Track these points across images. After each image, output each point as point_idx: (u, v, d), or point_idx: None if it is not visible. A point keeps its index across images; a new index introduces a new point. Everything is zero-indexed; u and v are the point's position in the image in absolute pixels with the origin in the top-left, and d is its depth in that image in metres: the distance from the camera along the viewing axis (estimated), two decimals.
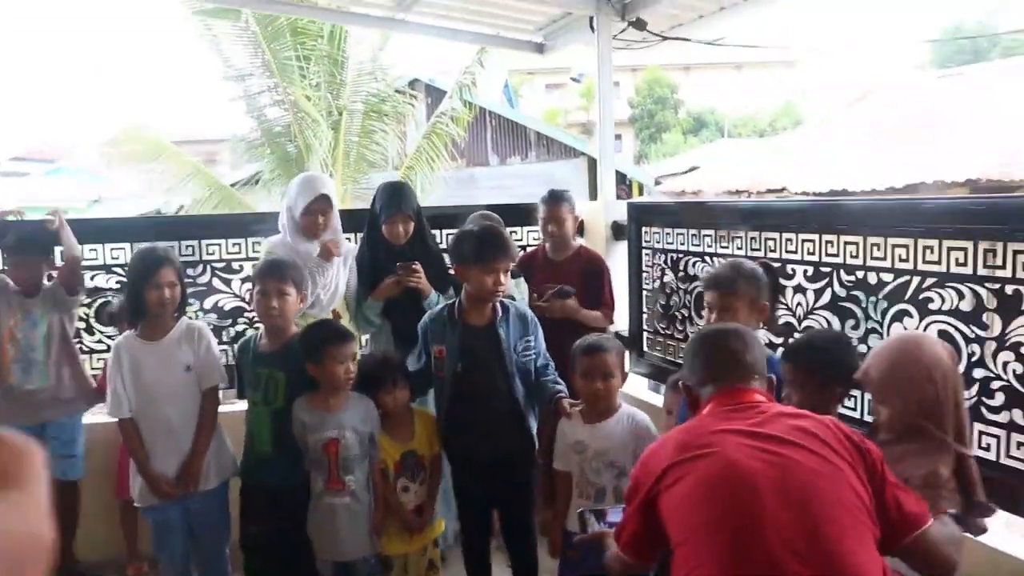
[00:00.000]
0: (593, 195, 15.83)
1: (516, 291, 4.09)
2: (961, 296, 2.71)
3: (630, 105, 34.19)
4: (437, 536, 3.39)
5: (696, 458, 1.84)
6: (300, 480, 3.12)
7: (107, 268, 4.28)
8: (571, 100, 33.49)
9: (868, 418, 2.87)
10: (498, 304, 3.22)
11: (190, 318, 3.55)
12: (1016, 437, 2.57)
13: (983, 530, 2.23)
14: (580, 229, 4.79)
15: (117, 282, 4.26)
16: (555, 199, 4.24)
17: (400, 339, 3.73)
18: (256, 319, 3.91)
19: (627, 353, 4.49)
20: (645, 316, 4.52)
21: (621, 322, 4.61)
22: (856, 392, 2.96)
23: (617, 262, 4.70)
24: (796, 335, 3.36)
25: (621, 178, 16.17)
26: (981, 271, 2.64)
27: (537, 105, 32.86)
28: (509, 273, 3.20)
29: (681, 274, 4.15)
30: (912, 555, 1.89)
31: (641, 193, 15.87)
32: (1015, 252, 2.54)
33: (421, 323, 3.36)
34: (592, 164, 15.80)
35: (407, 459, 3.21)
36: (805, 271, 3.35)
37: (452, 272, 3.73)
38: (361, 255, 3.91)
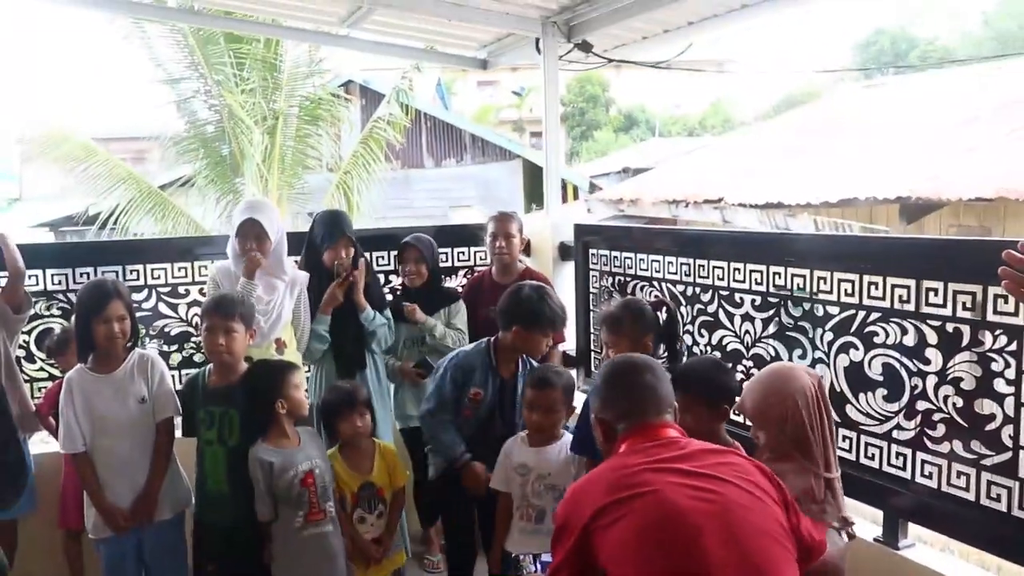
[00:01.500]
0: (529, 199, 15.91)
1: (457, 318, 4.14)
2: (904, 332, 2.83)
3: (562, 103, 34.38)
4: (398, 567, 3.41)
5: (632, 498, 1.86)
6: (255, 518, 3.09)
7: (48, 294, 4.15)
8: (503, 97, 33.57)
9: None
10: (522, 361, 3.46)
11: (140, 346, 3.49)
12: (956, 467, 2.70)
13: (852, 536, 2.45)
14: (527, 249, 4.84)
15: (59, 308, 4.14)
16: (503, 216, 4.35)
17: (341, 360, 3.88)
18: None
19: (576, 374, 4.57)
20: (593, 336, 4.59)
21: (569, 341, 4.67)
22: None
23: (565, 282, 4.76)
24: (744, 362, 3.47)
25: None
26: (924, 308, 2.76)
27: (470, 102, 32.83)
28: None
29: (628, 297, 4.22)
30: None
31: (576, 196, 16.00)
32: (955, 292, 2.66)
33: (455, 359, 3.46)
34: (528, 167, 15.90)
35: (364, 490, 3.23)
36: (753, 300, 3.45)
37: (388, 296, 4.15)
38: (311, 283, 3.90)
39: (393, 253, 4.50)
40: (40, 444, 3.96)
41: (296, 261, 4.01)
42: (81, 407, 3.13)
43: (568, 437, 3.17)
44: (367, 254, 4.17)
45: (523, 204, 15.09)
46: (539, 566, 3.10)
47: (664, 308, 3.29)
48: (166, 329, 4.28)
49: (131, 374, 3.20)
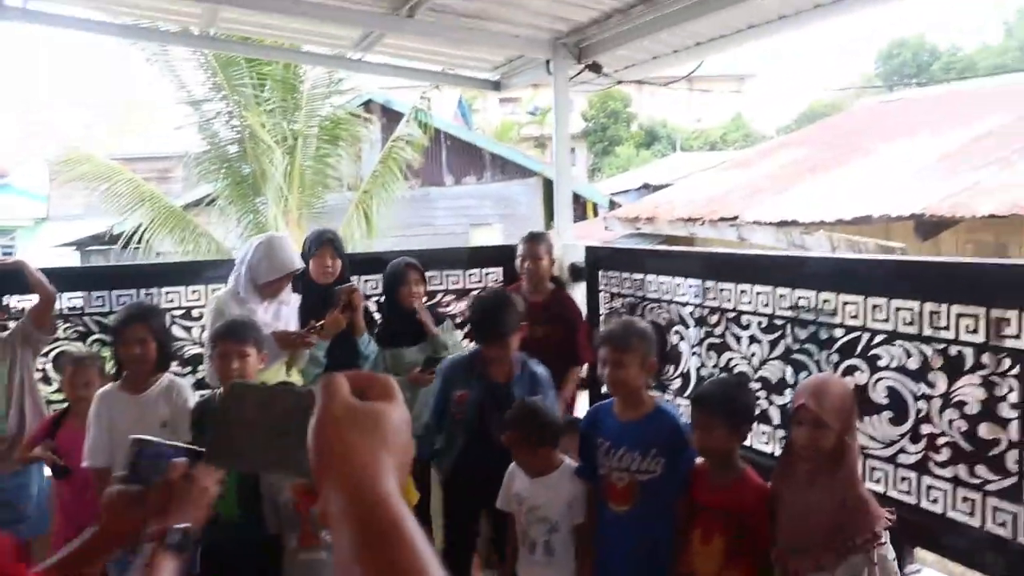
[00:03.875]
0: (548, 215, 15.90)
1: (450, 338, 4.17)
2: (908, 354, 2.82)
3: (584, 119, 34.47)
4: None
5: None
6: (266, 541, 3.12)
7: (64, 317, 4.23)
8: (524, 115, 33.67)
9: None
10: (517, 362, 3.41)
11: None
12: (961, 492, 2.68)
13: None
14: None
15: (75, 331, 4.22)
16: (533, 237, 4.41)
17: None
18: None
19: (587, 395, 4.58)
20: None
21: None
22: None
23: (577, 303, 4.77)
24: (752, 384, 3.46)
25: (575, 198, 16.29)
26: (927, 331, 2.75)
27: (492, 118, 32.96)
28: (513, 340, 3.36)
29: (638, 318, 4.23)
30: None
31: (596, 213, 15.99)
32: (958, 315, 2.65)
33: (441, 368, 3.54)
34: (548, 184, 15.91)
35: None
36: (759, 322, 3.45)
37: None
38: (303, 304, 3.96)
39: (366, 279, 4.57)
40: None
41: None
42: (106, 423, 3.21)
43: (567, 467, 3.13)
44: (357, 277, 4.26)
45: (543, 221, 15.08)
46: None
47: (658, 331, 3.34)
48: (180, 351, 4.33)
49: (157, 398, 3.27)
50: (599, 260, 4.59)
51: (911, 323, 2.80)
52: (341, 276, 4.00)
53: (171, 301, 4.35)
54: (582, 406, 4.72)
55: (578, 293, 4.82)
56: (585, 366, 4.41)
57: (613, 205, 15.68)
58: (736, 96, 37.25)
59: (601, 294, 4.57)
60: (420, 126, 12.01)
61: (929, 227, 5.82)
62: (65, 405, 3.69)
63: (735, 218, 7.37)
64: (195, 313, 4.37)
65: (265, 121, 11.06)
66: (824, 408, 2.44)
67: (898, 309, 2.84)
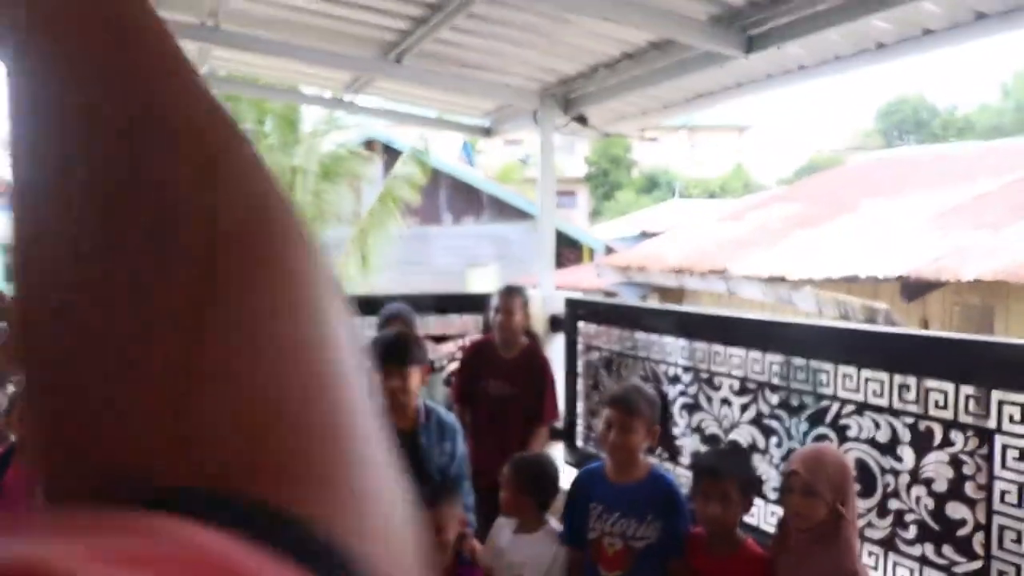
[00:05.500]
0: None
1: (436, 387, 4.12)
2: (877, 426, 2.77)
3: (586, 163, 34.69)
4: None
5: None
6: None
7: None
8: (529, 154, 33.88)
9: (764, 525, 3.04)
10: (421, 410, 3.28)
11: None
12: (928, 572, 2.61)
13: None
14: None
15: None
16: (509, 291, 4.28)
17: None
18: None
19: (563, 447, 4.52)
20: (579, 409, 4.54)
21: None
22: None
23: (554, 353, 4.73)
24: (720, 446, 3.40)
25: (572, 243, 16.32)
26: (896, 404, 2.70)
27: (496, 159, 33.17)
28: (413, 375, 3.23)
29: (614, 373, 4.18)
30: None
31: (591, 258, 16.01)
32: (927, 390, 2.60)
33: None
34: None
35: None
36: (731, 385, 3.40)
37: None
38: None
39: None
40: None
41: None
42: None
43: (552, 528, 3.06)
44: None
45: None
46: None
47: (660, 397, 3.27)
48: None
49: None
50: (578, 312, 4.55)
51: (880, 395, 2.76)
52: None
53: None
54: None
55: (556, 344, 4.78)
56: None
57: (610, 251, 15.71)
58: (737, 146, 37.55)
59: (579, 346, 4.52)
60: (418, 165, 12.09)
61: (915, 289, 5.80)
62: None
63: (724, 271, 7.35)
64: None
65: (265, 156, 11.10)
66: (816, 476, 2.37)
67: (867, 379, 2.80)
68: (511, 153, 35.22)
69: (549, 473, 3.08)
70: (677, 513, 2.80)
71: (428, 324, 4.84)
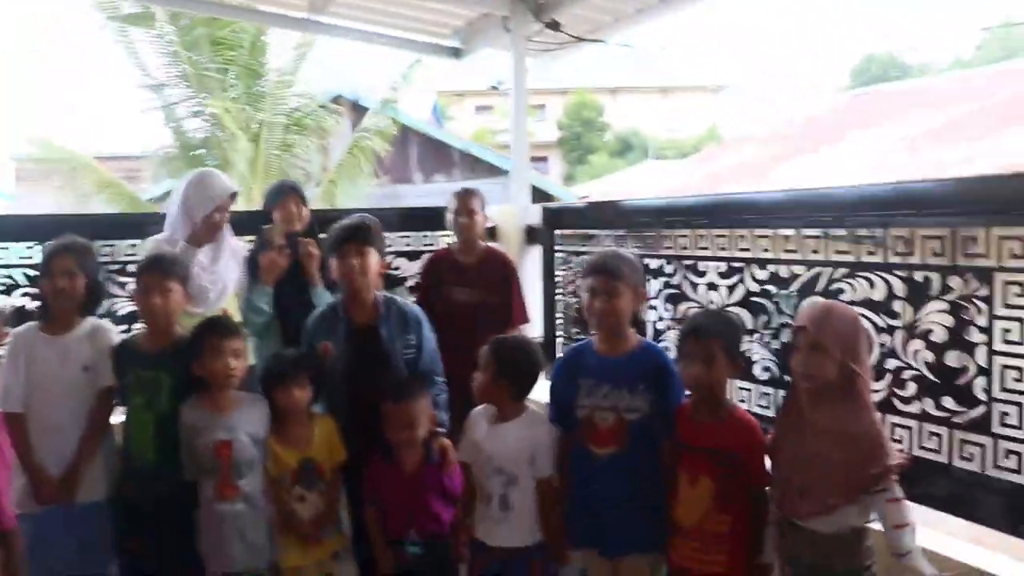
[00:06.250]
0: None
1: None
2: (872, 285, 2.66)
3: (558, 127, 34.49)
4: (337, 549, 3.18)
5: None
6: (183, 490, 2.90)
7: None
8: (501, 122, 33.63)
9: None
10: (380, 301, 3.17)
11: None
12: (927, 427, 2.52)
13: None
14: (493, 234, 4.69)
15: (1, 284, 3.98)
16: (466, 192, 4.11)
17: (291, 342, 3.52)
18: None
19: None
20: (559, 320, 4.42)
21: (535, 326, 4.48)
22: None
23: (531, 266, 4.60)
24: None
25: (547, 197, 16.16)
26: (892, 259, 2.59)
27: (467, 125, 32.89)
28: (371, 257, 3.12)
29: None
30: None
31: None
32: (924, 237, 2.49)
33: (305, 325, 3.25)
34: None
35: (304, 466, 3.00)
36: (718, 267, 3.29)
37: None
38: (253, 252, 3.71)
39: None
40: None
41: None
42: (23, 365, 2.97)
43: (530, 416, 2.89)
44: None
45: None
46: None
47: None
48: (113, 308, 4.09)
49: (79, 340, 3.03)
50: (554, 219, 4.41)
51: (873, 252, 2.64)
52: (308, 228, 3.73)
53: (105, 255, 4.10)
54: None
55: (534, 256, 4.64)
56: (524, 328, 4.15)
57: None
58: (713, 107, 37.50)
59: (556, 255, 4.39)
60: (388, 117, 11.87)
61: None
62: None
63: None
64: (131, 268, 4.12)
65: (230, 107, 10.84)
66: (823, 331, 2.25)
67: (859, 238, 2.68)
68: (482, 120, 34.99)
69: (530, 356, 2.92)
70: (669, 386, 2.68)
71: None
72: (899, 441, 2.58)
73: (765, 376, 3.08)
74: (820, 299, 2.78)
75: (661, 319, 3.62)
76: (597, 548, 2.76)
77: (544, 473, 2.79)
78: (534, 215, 4.64)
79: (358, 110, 14.87)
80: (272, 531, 2.95)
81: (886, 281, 2.61)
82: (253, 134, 11.07)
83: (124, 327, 4.08)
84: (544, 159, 32.05)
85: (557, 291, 4.41)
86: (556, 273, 4.43)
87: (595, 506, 2.71)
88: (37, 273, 3.89)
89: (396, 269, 4.57)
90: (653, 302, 3.63)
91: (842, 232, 2.74)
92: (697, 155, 11.68)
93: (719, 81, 39.20)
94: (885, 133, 7.80)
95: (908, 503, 2.22)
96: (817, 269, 2.84)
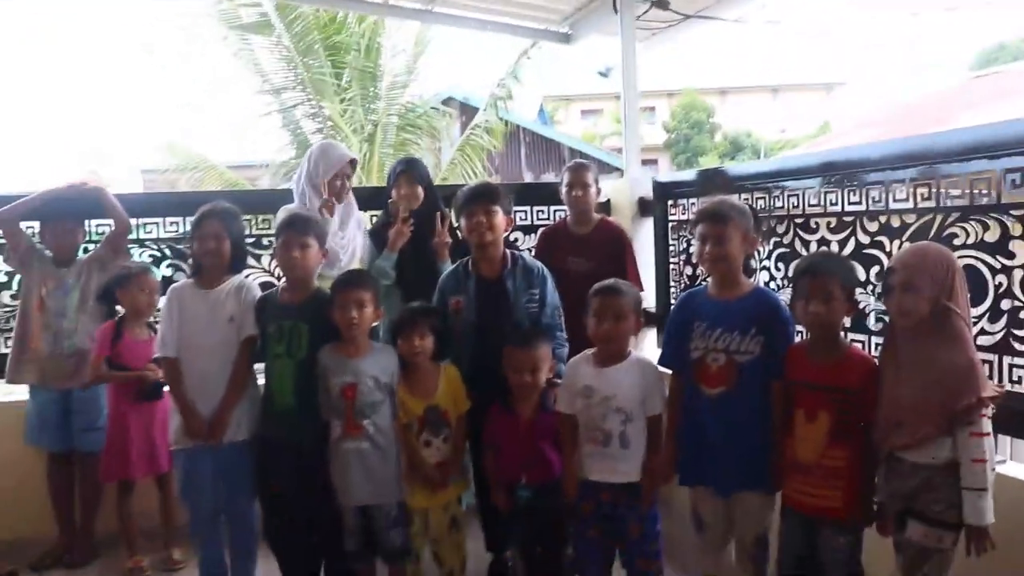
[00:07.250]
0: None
1: None
2: (986, 227, 2.66)
3: (666, 130, 34.19)
4: (461, 494, 3.36)
5: None
6: (321, 433, 3.14)
7: (139, 242, 4.36)
8: (606, 126, 33.59)
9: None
10: (508, 256, 3.37)
11: None
12: None
13: None
14: (607, 208, 4.81)
15: (150, 255, 4.36)
16: (579, 165, 4.28)
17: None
18: None
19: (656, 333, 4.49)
20: (672, 291, 4.49)
21: (648, 299, 4.57)
22: None
23: (644, 238, 4.69)
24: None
25: None
26: (1005, 199, 2.60)
27: (573, 129, 33.00)
28: (498, 216, 3.32)
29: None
30: None
31: None
32: None
33: (440, 280, 3.45)
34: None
35: (429, 414, 3.19)
36: (828, 223, 3.32)
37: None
38: (377, 225, 3.99)
39: None
40: None
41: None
42: (177, 315, 3.29)
43: (635, 357, 3.00)
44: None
45: (628, 216, 14.97)
46: None
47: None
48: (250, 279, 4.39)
49: (227, 295, 3.33)
50: (666, 191, 4.50)
51: (987, 193, 2.65)
52: (427, 204, 3.92)
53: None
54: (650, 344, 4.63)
55: (647, 228, 4.73)
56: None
57: None
58: (824, 106, 36.45)
59: (670, 225, 4.47)
60: (498, 119, 12.11)
61: None
62: (121, 315, 3.83)
63: None
64: (264, 242, 4.44)
65: (343, 110, 11.30)
66: (914, 271, 2.32)
67: (972, 180, 2.69)
68: (589, 125, 35.03)
69: (636, 293, 3.07)
70: (781, 328, 2.75)
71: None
72: (1017, 381, 2.58)
73: (878, 327, 3.09)
74: (916, 243, 2.79)
75: (773, 279, 3.66)
76: (708, 486, 2.85)
77: (656, 411, 2.91)
78: (646, 187, 4.73)
79: (468, 111, 15.23)
80: (401, 472, 3.17)
81: (1000, 222, 2.61)
82: (367, 135, 11.50)
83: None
84: (654, 162, 31.83)
85: (671, 260, 4.49)
86: (669, 243, 4.52)
87: (706, 444, 2.80)
88: (181, 247, 4.29)
89: (514, 240, 4.75)
90: (765, 262, 3.68)
91: (955, 176, 2.75)
92: (811, 142, 11.48)
93: (832, 78, 38.09)
94: (1012, 110, 7.53)
95: (991, 440, 2.24)
96: (929, 216, 2.85)
